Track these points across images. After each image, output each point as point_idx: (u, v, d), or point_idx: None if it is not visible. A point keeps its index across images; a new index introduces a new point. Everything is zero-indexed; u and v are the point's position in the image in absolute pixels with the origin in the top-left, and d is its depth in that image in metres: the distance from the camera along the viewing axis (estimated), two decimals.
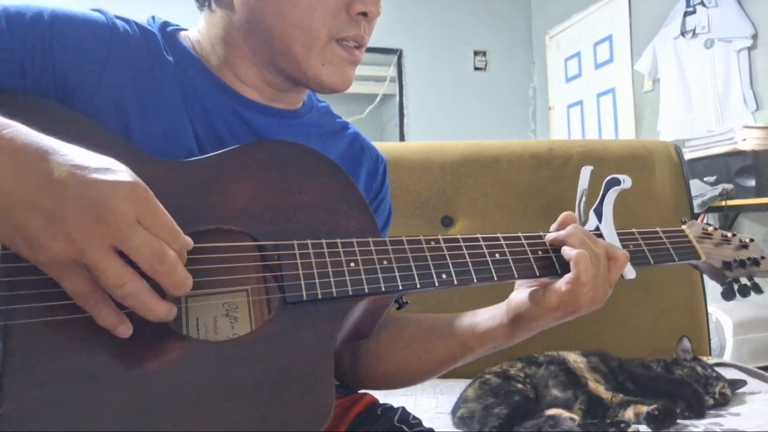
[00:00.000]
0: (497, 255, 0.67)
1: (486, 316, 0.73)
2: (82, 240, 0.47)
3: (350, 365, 0.81)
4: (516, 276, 0.67)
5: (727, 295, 0.79)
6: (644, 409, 1.17)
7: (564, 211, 0.74)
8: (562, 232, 0.69)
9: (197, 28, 0.77)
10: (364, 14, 0.71)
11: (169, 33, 0.74)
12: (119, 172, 0.50)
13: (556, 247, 0.69)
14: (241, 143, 0.67)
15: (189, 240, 0.54)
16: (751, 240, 0.82)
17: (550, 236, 0.70)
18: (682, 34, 3.36)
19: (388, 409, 0.82)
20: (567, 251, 0.67)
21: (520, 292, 0.71)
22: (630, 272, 0.70)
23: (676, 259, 0.76)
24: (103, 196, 0.48)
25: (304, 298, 0.58)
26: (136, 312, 0.50)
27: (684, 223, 0.81)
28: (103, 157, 0.51)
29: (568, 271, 0.66)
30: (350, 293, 0.60)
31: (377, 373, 0.80)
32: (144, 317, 0.51)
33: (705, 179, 2.77)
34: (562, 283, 0.65)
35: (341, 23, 0.70)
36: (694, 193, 2.06)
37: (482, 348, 0.73)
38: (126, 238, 0.48)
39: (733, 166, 2.69)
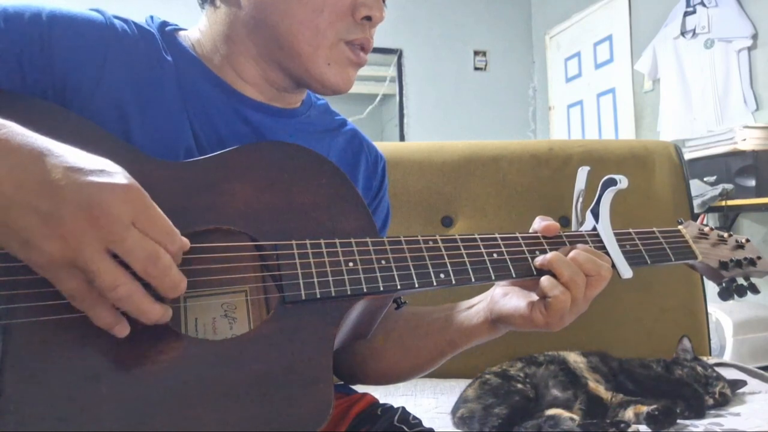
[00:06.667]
0: (495, 255, 0.67)
1: (470, 313, 0.74)
2: (77, 242, 0.47)
3: (347, 363, 0.82)
4: (514, 275, 0.67)
5: (724, 295, 0.79)
6: (644, 409, 1.17)
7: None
8: (547, 257, 0.67)
9: (198, 27, 0.77)
10: (369, 18, 0.71)
11: (167, 33, 0.74)
12: (114, 173, 0.50)
13: (545, 270, 0.68)
14: (241, 142, 0.67)
15: (185, 241, 0.54)
16: (747, 240, 0.83)
17: (537, 261, 0.68)
18: (682, 34, 3.36)
19: (388, 409, 0.83)
20: (546, 288, 0.65)
21: (506, 295, 0.71)
22: (627, 272, 0.70)
23: (673, 259, 0.76)
24: (97, 198, 0.47)
25: (303, 297, 0.59)
26: (130, 314, 0.51)
27: (680, 223, 0.82)
28: (99, 158, 0.51)
29: None
30: (348, 293, 0.60)
31: (372, 370, 0.82)
32: (138, 320, 0.51)
33: (705, 179, 2.77)
34: (544, 306, 0.65)
35: (347, 26, 0.71)
36: (694, 193, 2.07)
37: (469, 344, 0.75)
38: (119, 241, 0.48)
39: (733, 166, 2.69)
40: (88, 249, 0.47)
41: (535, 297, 0.68)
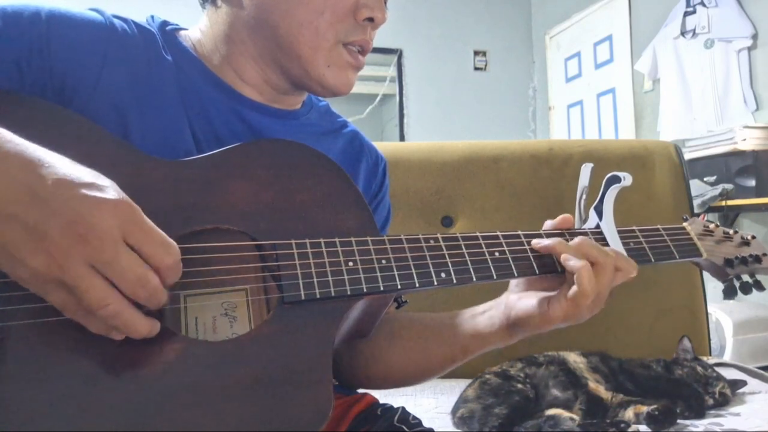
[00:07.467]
0: (496, 253, 0.67)
1: (485, 318, 0.73)
2: (64, 258, 0.46)
3: (349, 364, 0.81)
4: (516, 274, 0.67)
5: (729, 292, 0.78)
6: (644, 409, 1.17)
7: (564, 211, 0.74)
8: (569, 243, 0.67)
9: (198, 27, 0.76)
10: (370, 20, 0.71)
11: (168, 32, 0.74)
12: (105, 187, 0.48)
13: (557, 256, 0.67)
14: (239, 142, 0.67)
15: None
16: (753, 237, 0.81)
17: (545, 243, 0.68)
18: (682, 34, 3.36)
19: (388, 409, 0.82)
20: (570, 263, 0.65)
21: (521, 299, 0.70)
22: None
23: (678, 257, 0.75)
24: (86, 213, 0.46)
25: (302, 297, 0.58)
26: (118, 330, 0.50)
27: (685, 220, 0.80)
28: (90, 170, 0.50)
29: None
30: (348, 293, 0.60)
31: (376, 373, 0.81)
32: (127, 335, 0.50)
33: (705, 179, 2.77)
34: (564, 296, 0.65)
35: (348, 27, 0.71)
36: (694, 193, 2.06)
37: (482, 350, 0.74)
38: (107, 261, 0.47)
39: (733, 166, 2.69)
40: (74, 266, 0.46)
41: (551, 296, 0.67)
